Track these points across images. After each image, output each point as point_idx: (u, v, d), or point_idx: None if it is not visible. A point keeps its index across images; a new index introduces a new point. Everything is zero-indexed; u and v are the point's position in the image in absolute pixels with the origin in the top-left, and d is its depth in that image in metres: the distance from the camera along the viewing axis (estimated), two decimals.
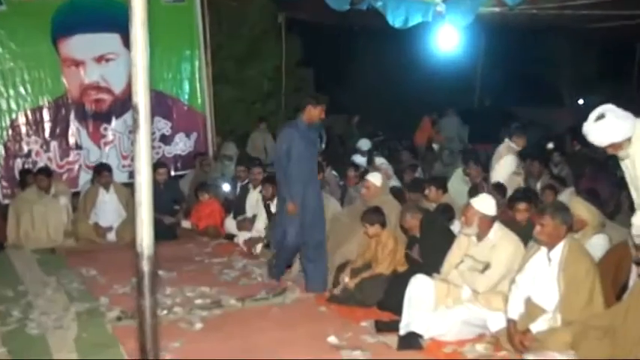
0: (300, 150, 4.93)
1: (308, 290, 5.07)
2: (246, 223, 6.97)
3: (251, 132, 10.94)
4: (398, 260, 4.76)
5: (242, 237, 6.78)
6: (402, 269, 4.70)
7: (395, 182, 7.53)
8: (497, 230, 4.00)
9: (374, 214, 4.87)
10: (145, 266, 1.93)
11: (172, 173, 8.67)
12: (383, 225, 4.86)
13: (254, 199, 7.16)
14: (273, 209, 6.57)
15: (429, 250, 4.45)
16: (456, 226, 4.93)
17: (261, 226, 6.67)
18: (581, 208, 4.35)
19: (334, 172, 8.71)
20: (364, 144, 9.41)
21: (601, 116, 3.45)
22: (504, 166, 6.10)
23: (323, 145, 11.49)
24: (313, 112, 5.01)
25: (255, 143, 10.58)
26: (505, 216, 4.88)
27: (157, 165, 7.55)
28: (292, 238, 5.06)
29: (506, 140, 6.26)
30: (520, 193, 5.12)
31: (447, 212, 5.16)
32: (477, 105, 11.95)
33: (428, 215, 4.71)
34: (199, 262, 6.25)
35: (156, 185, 6.80)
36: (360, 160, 9.03)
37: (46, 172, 7.40)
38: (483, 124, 10.69)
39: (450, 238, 4.36)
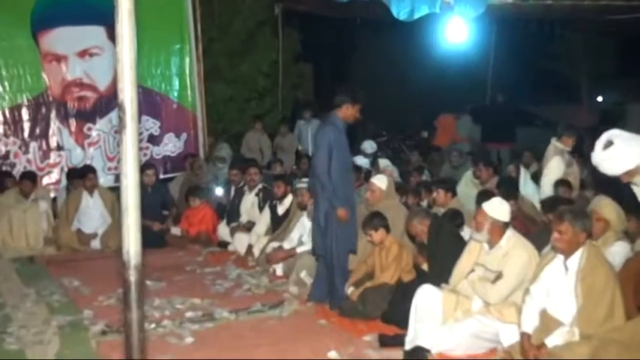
0: (342, 150, 4.85)
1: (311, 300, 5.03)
2: (241, 229, 6.97)
3: (245, 132, 10.95)
4: (403, 268, 4.76)
5: (239, 242, 6.77)
6: (408, 278, 4.70)
7: None
8: (510, 237, 4.00)
9: (376, 219, 4.87)
10: (132, 276, 1.94)
11: (161, 176, 8.69)
12: (387, 229, 4.86)
13: (249, 203, 7.17)
14: (280, 211, 6.57)
15: (437, 258, 4.45)
16: (465, 233, 4.94)
17: (262, 229, 6.67)
18: (609, 208, 4.35)
19: None
20: (369, 146, 9.41)
21: (609, 144, 3.44)
22: (551, 171, 6.03)
23: None
24: (350, 112, 4.92)
25: (250, 144, 10.58)
26: (520, 225, 4.88)
27: (145, 167, 7.56)
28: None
29: (553, 141, 6.16)
30: (549, 204, 5.09)
31: (456, 218, 5.16)
32: (488, 102, 11.94)
33: (436, 221, 4.71)
34: (190, 271, 6.25)
35: (143, 189, 6.81)
36: (362, 161, 9.02)
37: (31, 176, 7.40)
38: (495, 122, 10.68)
39: (460, 245, 4.36)
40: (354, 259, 5.19)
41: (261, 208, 7.00)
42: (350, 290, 4.89)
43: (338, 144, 4.80)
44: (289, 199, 6.54)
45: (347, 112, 4.91)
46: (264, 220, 6.71)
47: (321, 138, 4.87)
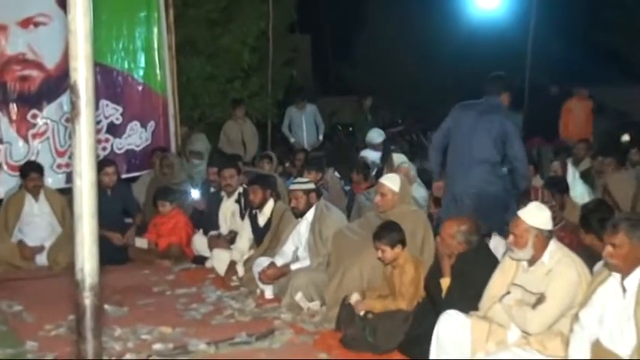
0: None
1: None
2: (221, 241, 6.97)
3: (227, 120, 10.95)
4: (422, 292, 4.76)
5: (218, 259, 6.77)
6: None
7: (421, 189, 7.52)
8: (555, 251, 4.00)
9: (395, 232, 4.87)
10: (87, 299, 1.95)
11: (123, 175, 8.69)
12: (404, 244, 4.87)
13: (229, 211, 7.17)
14: (261, 221, 6.58)
15: (468, 277, 4.43)
16: (498, 246, 4.96)
17: (245, 244, 6.68)
18: None
19: (337, 174, 8.72)
20: (376, 136, 9.41)
21: None
22: None
23: (321, 137, 11.56)
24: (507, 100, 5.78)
25: (230, 135, 10.56)
26: (567, 236, 4.89)
27: (104, 164, 7.56)
28: None
29: None
30: (593, 210, 5.08)
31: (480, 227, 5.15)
32: (528, 83, 11.95)
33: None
34: (159, 293, 6.26)
35: (101, 191, 6.83)
36: (372, 156, 9.03)
37: None
38: (537, 108, 10.69)
39: (493, 262, 4.36)
40: (365, 279, 5.20)
41: (243, 216, 7.01)
42: (354, 298, 4.88)
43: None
44: (270, 206, 6.56)
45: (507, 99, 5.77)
46: (245, 232, 6.72)
47: (509, 122, 5.63)
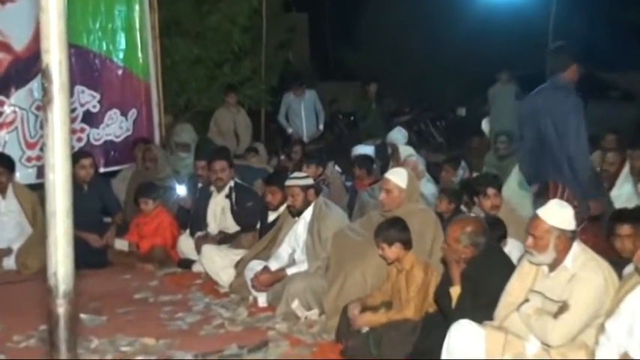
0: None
1: None
2: (210, 241, 6.97)
3: (216, 107, 10.94)
4: (431, 301, 4.77)
5: (209, 258, 6.73)
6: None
7: (430, 185, 7.52)
8: (579, 255, 3.99)
9: (394, 230, 4.88)
10: (61, 307, 1.94)
11: (102, 169, 8.69)
12: (407, 245, 4.88)
13: (219, 208, 7.17)
14: (271, 217, 6.58)
15: (480, 284, 4.44)
16: (512, 250, 4.97)
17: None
18: None
19: (338, 168, 8.72)
20: (401, 137, 9.22)
21: None
22: None
23: (321, 127, 11.55)
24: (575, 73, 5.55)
25: (222, 125, 10.57)
26: (594, 240, 4.90)
27: (79, 156, 7.56)
28: None
29: None
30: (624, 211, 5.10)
31: (495, 229, 5.15)
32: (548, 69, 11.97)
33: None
34: (141, 300, 6.27)
35: (77, 187, 6.83)
36: (366, 150, 9.01)
37: None
38: None
39: (507, 267, 4.37)
40: (367, 283, 5.21)
41: (234, 213, 7.00)
42: (352, 311, 4.88)
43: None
44: (284, 205, 6.51)
45: (575, 73, 5.54)
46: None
47: (569, 107, 5.39)
